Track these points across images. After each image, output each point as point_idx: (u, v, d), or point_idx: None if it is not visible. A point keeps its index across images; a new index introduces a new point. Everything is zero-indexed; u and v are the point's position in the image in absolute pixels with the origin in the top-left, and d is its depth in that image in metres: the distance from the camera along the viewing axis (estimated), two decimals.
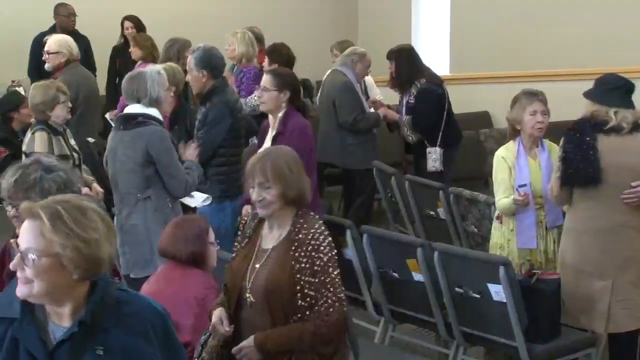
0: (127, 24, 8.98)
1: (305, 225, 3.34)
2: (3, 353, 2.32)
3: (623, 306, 4.52)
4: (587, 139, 4.42)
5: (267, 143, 5.14)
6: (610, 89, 4.49)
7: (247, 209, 5.17)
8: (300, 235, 3.32)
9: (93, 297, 2.30)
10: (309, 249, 3.29)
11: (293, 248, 3.30)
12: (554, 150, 4.89)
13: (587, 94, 4.56)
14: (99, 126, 7.69)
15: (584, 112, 4.56)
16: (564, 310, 4.61)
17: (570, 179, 4.46)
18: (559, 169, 4.52)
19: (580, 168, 4.41)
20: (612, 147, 4.41)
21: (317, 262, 3.28)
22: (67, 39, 7.07)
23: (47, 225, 2.21)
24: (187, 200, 5.09)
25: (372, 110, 7.26)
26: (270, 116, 5.21)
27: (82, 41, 8.48)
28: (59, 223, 2.22)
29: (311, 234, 3.31)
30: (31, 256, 2.22)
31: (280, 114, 5.10)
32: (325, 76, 7.47)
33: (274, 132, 5.11)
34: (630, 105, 4.50)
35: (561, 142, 4.54)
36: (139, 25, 8.92)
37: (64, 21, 8.68)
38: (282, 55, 7.05)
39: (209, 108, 5.50)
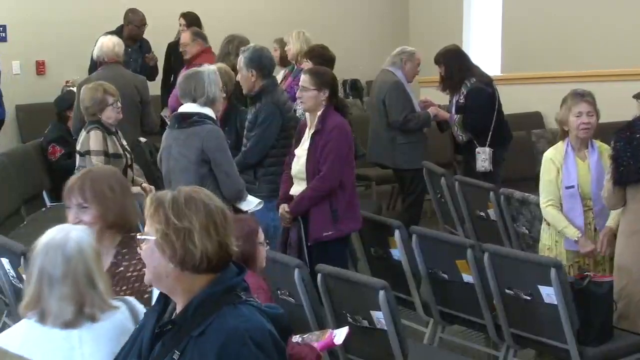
0: (182, 20, 9.05)
1: (127, 257, 3.12)
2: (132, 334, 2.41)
3: None
4: (638, 135, 4.36)
5: (305, 142, 5.16)
6: None
7: (284, 207, 5.20)
8: (121, 268, 3.10)
9: (194, 298, 2.26)
10: (131, 283, 3.04)
11: (114, 283, 2.96)
12: (605, 152, 4.83)
13: (638, 95, 4.52)
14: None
15: (636, 113, 4.51)
16: (622, 314, 4.55)
17: (622, 177, 4.41)
18: (609, 171, 4.47)
19: (632, 164, 4.36)
20: None
21: (145, 297, 2.99)
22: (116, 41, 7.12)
23: (151, 210, 2.27)
24: (239, 204, 5.11)
25: (422, 109, 7.24)
26: (308, 115, 5.22)
27: (145, 44, 8.61)
28: (159, 209, 2.26)
29: (132, 266, 3.09)
30: (140, 240, 2.31)
31: (319, 113, 5.11)
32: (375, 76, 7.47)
33: (312, 131, 5.12)
34: None
35: (612, 143, 4.49)
36: (193, 22, 8.96)
37: (135, 31, 8.60)
38: (320, 56, 7.06)
39: (259, 108, 5.54)
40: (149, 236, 2.28)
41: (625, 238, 4.55)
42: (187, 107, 5.05)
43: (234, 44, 6.84)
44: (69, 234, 2.69)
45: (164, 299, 2.37)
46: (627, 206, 4.53)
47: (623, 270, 4.55)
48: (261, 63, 5.57)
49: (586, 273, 4.58)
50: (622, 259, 4.57)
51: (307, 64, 6.86)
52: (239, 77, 5.69)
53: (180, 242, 2.23)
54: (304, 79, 5.18)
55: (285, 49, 7.42)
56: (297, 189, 5.20)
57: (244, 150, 5.59)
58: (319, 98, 5.09)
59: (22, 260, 4.43)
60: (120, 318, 2.71)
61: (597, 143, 4.92)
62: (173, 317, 2.33)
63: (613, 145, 4.44)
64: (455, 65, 7.09)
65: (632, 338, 4.55)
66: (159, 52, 9.10)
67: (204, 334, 2.22)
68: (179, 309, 2.31)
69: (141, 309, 2.76)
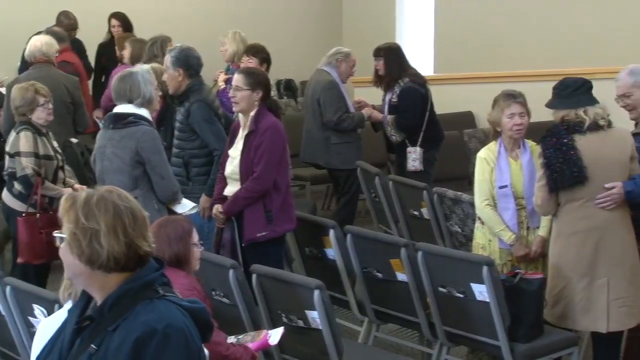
0: (114, 21, 8.95)
1: None
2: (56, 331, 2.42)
3: (620, 304, 4.55)
4: (565, 140, 4.44)
5: (239, 143, 5.15)
6: (571, 91, 4.53)
7: (217, 207, 5.19)
8: None
9: (111, 294, 2.28)
10: None
11: None
12: (536, 151, 4.92)
13: (550, 104, 4.60)
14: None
15: (553, 120, 4.60)
16: (563, 314, 4.62)
17: (557, 183, 4.47)
18: (541, 177, 4.53)
19: (565, 170, 4.43)
20: (590, 145, 4.45)
21: None
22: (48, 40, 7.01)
23: (65, 209, 2.28)
24: (174, 206, 5.08)
25: (356, 110, 7.27)
26: (240, 116, 5.20)
27: (77, 45, 8.48)
28: (72, 209, 2.26)
29: None
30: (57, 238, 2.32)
31: (252, 113, 5.10)
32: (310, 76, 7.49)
33: (246, 132, 5.11)
34: (594, 101, 4.55)
35: (539, 151, 4.56)
36: (125, 23, 8.89)
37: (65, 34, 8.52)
38: (264, 51, 7.08)
39: (188, 107, 5.51)
40: (62, 235, 2.29)
41: (564, 239, 4.60)
42: (123, 108, 5.00)
43: (158, 45, 6.81)
44: None
45: (86, 295, 2.38)
46: (562, 208, 4.58)
47: (563, 270, 4.61)
48: (188, 62, 5.55)
49: (517, 271, 4.66)
50: (561, 260, 4.62)
51: (250, 62, 6.87)
52: (165, 77, 5.64)
53: (87, 242, 2.24)
54: (237, 78, 5.17)
55: (221, 49, 7.40)
56: (230, 189, 5.18)
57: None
58: (253, 98, 5.08)
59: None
60: None
61: (529, 143, 4.99)
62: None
63: (543, 153, 4.50)
64: (394, 62, 7.13)
65: (561, 334, 4.64)
66: (90, 52, 9.00)
67: (118, 328, 2.24)
68: (97, 304, 2.33)
69: None
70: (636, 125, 4.85)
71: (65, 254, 2.29)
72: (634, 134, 4.74)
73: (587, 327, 4.66)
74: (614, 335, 4.68)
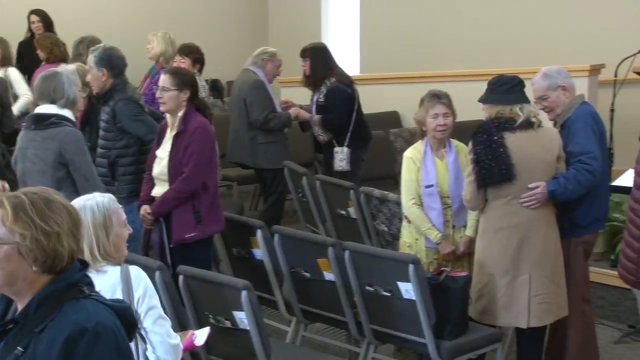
0: (34, 17, 8.78)
1: None
2: None
3: (540, 300, 4.63)
4: (495, 138, 4.51)
5: (167, 143, 5.11)
6: (509, 88, 4.61)
7: (145, 208, 5.14)
8: None
9: (36, 296, 2.25)
10: None
11: None
12: (462, 151, 4.99)
13: (486, 99, 4.67)
14: None
15: (485, 116, 4.67)
16: (485, 310, 4.69)
17: (485, 179, 4.54)
18: (470, 173, 4.60)
19: (494, 167, 4.50)
20: (520, 143, 4.53)
21: None
22: None
23: (9, 214, 2.22)
24: None
25: (283, 110, 7.27)
26: (168, 116, 5.16)
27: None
28: (21, 213, 2.22)
29: None
30: None
31: (180, 114, 5.07)
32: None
33: (174, 132, 5.07)
34: (528, 100, 4.64)
35: (469, 147, 4.63)
36: (45, 20, 8.72)
37: None
38: (197, 52, 7.04)
39: (113, 106, 5.46)
40: (4, 241, 2.23)
41: (490, 235, 4.67)
42: (45, 109, 4.91)
43: (85, 44, 6.75)
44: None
45: (5, 300, 2.35)
46: (489, 205, 4.65)
47: (485, 266, 4.68)
48: (111, 62, 5.50)
49: (443, 269, 4.72)
50: (486, 256, 4.69)
51: (183, 62, 6.82)
52: (88, 78, 5.58)
53: (52, 246, 2.22)
54: (163, 79, 5.12)
55: (147, 46, 7.33)
56: (158, 190, 5.14)
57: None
58: (180, 98, 5.04)
59: None
60: None
61: (454, 142, 5.06)
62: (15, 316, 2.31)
63: (473, 149, 4.57)
64: (319, 62, 7.15)
65: (486, 330, 4.71)
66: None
67: (46, 329, 2.22)
68: (20, 307, 2.29)
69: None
70: (554, 125, 4.96)
71: (8, 260, 2.23)
72: None
73: (508, 322, 4.73)
74: (536, 331, 4.78)
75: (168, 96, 5.05)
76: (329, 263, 4.76)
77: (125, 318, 2.34)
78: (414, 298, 4.40)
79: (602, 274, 6.21)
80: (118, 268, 3.37)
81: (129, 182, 5.47)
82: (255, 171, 7.47)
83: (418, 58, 10.71)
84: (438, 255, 4.97)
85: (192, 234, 5.02)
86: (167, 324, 3.45)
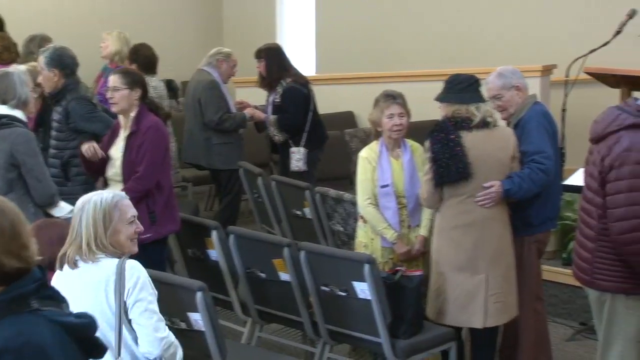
0: None
1: None
2: None
3: (496, 300, 4.67)
4: (452, 136, 4.54)
5: (119, 144, 5.08)
6: (465, 87, 4.64)
7: None
8: None
9: None
10: None
11: None
12: (417, 150, 5.01)
13: (442, 98, 4.70)
14: None
15: (441, 115, 4.70)
16: (441, 310, 4.71)
17: (442, 178, 4.57)
18: (428, 171, 4.63)
19: (451, 165, 4.53)
20: (476, 142, 4.56)
21: None
22: None
23: None
24: (51, 210, 4.95)
25: (238, 110, 7.26)
26: (121, 117, 5.13)
27: None
28: None
29: None
30: None
31: (132, 113, 5.03)
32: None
33: (127, 132, 5.03)
34: (484, 99, 4.68)
35: (427, 145, 4.64)
36: None
37: None
38: (143, 56, 7.00)
39: (65, 106, 5.40)
40: None
41: (445, 234, 4.69)
42: None
43: (36, 42, 6.69)
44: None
45: None
46: (445, 204, 4.67)
47: (442, 265, 4.70)
48: (63, 62, 5.45)
49: (398, 268, 4.73)
50: (442, 255, 4.71)
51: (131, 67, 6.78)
52: (40, 79, 5.52)
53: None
54: (113, 79, 5.09)
55: (101, 45, 7.27)
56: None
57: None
58: (132, 97, 5.01)
59: None
60: None
61: (409, 142, 5.07)
62: None
63: (430, 147, 4.58)
64: (274, 63, 7.14)
65: (440, 329, 4.73)
66: None
67: None
68: None
69: None
70: (508, 124, 5.00)
71: None
72: None
73: (463, 322, 4.75)
74: (490, 331, 4.82)
75: (120, 95, 5.01)
76: (284, 263, 4.76)
77: (83, 335, 2.22)
78: (369, 298, 4.41)
79: (555, 272, 6.29)
80: (115, 260, 3.45)
81: (82, 182, 5.42)
82: (210, 172, 7.45)
83: (373, 58, 10.75)
84: (393, 254, 4.99)
85: (147, 235, 4.97)
86: (156, 317, 3.45)
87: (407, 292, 4.56)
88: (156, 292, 3.51)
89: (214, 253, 5.15)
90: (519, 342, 5.02)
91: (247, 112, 7.23)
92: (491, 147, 4.62)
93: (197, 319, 4.00)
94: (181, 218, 5.26)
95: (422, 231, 4.98)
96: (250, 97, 7.83)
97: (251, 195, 7.12)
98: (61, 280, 3.44)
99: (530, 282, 4.97)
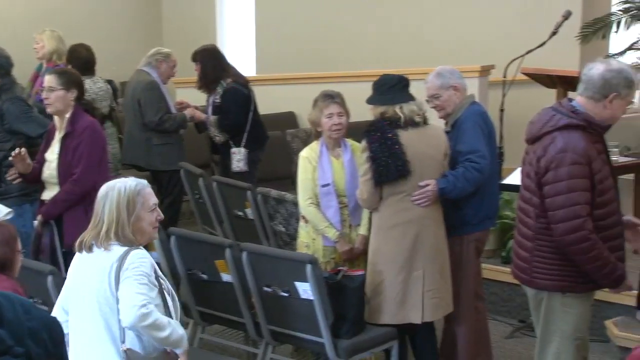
0: None
1: None
2: None
3: (432, 295, 4.71)
4: (389, 135, 4.57)
5: (55, 146, 5.01)
6: (388, 88, 4.69)
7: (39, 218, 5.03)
8: None
9: None
10: None
11: None
12: (357, 150, 5.03)
13: (369, 100, 4.74)
14: None
15: (373, 115, 4.73)
16: (379, 308, 4.72)
17: (382, 176, 4.59)
18: (367, 171, 4.64)
19: (390, 163, 4.56)
20: (411, 140, 4.60)
21: None
22: None
23: None
24: None
25: (178, 111, 7.21)
26: (56, 118, 5.06)
27: None
28: None
29: None
30: None
31: (67, 114, 4.97)
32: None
33: (62, 133, 4.97)
34: (410, 98, 4.72)
35: (363, 145, 4.67)
36: None
37: None
38: (79, 58, 6.92)
39: (0, 106, 5.33)
40: None
41: (384, 232, 4.72)
42: None
43: None
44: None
45: None
46: (383, 202, 4.69)
47: (382, 264, 4.71)
48: None
49: (340, 268, 4.75)
50: (381, 254, 4.73)
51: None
52: None
53: None
54: (49, 79, 5.03)
55: (35, 46, 7.17)
56: (49, 193, 5.03)
57: None
58: (68, 98, 4.95)
59: None
60: None
61: (350, 142, 5.09)
62: None
63: (368, 147, 4.61)
64: (210, 64, 7.10)
65: (382, 329, 4.75)
66: None
67: None
68: None
69: None
70: (446, 124, 5.06)
71: None
72: (445, 132, 4.94)
73: (402, 319, 4.77)
74: (429, 327, 4.86)
75: (55, 96, 4.95)
76: (226, 264, 4.74)
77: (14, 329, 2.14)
78: (311, 298, 4.42)
79: (494, 271, 6.36)
80: (124, 248, 3.50)
81: (18, 184, 5.34)
82: (150, 173, 7.38)
83: (313, 59, 10.76)
84: (335, 254, 5.00)
85: None
86: (144, 290, 3.41)
87: (349, 292, 4.57)
88: (156, 284, 3.51)
89: (155, 255, 5.09)
90: (459, 340, 5.07)
91: (188, 112, 7.18)
92: (425, 145, 4.67)
93: None
94: None
95: (362, 230, 5.01)
96: (191, 97, 7.78)
97: (192, 196, 7.08)
98: (77, 263, 3.62)
99: (470, 281, 5.03)
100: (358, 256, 5.02)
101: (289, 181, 7.97)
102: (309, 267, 4.36)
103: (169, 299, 3.59)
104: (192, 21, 12.14)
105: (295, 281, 4.45)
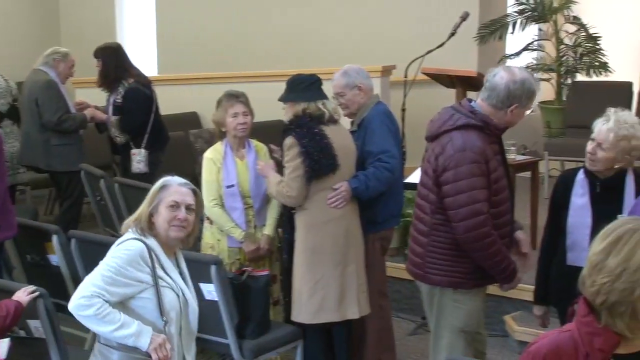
0: None
1: None
2: None
3: (363, 289, 4.78)
4: (316, 130, 4.60)
5: None
6: (306, 86, 4.71)
7: None
8: None
9: None
10: None
11: None
12: (261, 150, 5.04)
13: (286, 98, 4.74)
14: None
15: (286, 115, 4.73)
16: (322, 307, 4.70)
17: (315, 172, 4.59)
18: (297, 167, 4.60)
19: (322, 158, 4.58)
20: (335, 135, 4.66)
21: None
22: None
23: None
24: None
25: (78, 111, 7.08)
26: None
27: None
28: None
29: None
30: None
31: None
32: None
33: None
34: (326, 97, 4.76)
35: (290, 141, 4.61)
36: None
37: None
38: None
39: None
40: None
41: (317, 228, 4.69)
42: None
43: None
44: None
45: None
46: (311, 199, 4.67)
47: (317, 262, 4.69)
48: None
49: (244, 269, 4.73)
50: (316, 251, 4.69)
51: None
52: None
53: None
54: None
55: None
56: None
57: None
58: None
59: None
60: None
61: (254, 142, 5.09)
62: None
63: (298, 142, 4.57)
64: (112, 62, 6.99)
65: (287, 329, 4.77)
66: None
67: None
68: None
69: None
70: (352, 124, 5.09)
71: None
72: (351, 132, 4.97)
73: (342, 316, 4.76)
74: (349, 322, 4.89)
75: None
76: None
77: None
78: (216, 299, 4.39)
79: (398, 269, 6.42)
80: (131, 236, 3.62)
81: None
82: (49, 174, 7.24)
83: (216, 59, 10.71)
84: (240, 255, 4.98)
85: None
86: (101, 282, 3.50)
87: (254, 293, 4.56)
88: (127, 279, 3.54)
89: (55, 258, 5.00)
90: (363, 338, 5.11)
91: (88, 112, 7.06)
92: (347, 140, 4.76)
93: (37, 326, 3.88)
94: (19, 223, 5.07)
95: (267, 230, 5.00)
96: (91, 97, 7.64)
97: (93, 198, 6.95)
98: None
99: (375, 279, 5.07)
100: (263, 256, 5.02)
101: (193, 182, 7.88)
102: (213, 268, 4.34)
103: (171, 296, 3.60)
104: (91, 20, 11.93)
105: (200, 282, 4.42)
